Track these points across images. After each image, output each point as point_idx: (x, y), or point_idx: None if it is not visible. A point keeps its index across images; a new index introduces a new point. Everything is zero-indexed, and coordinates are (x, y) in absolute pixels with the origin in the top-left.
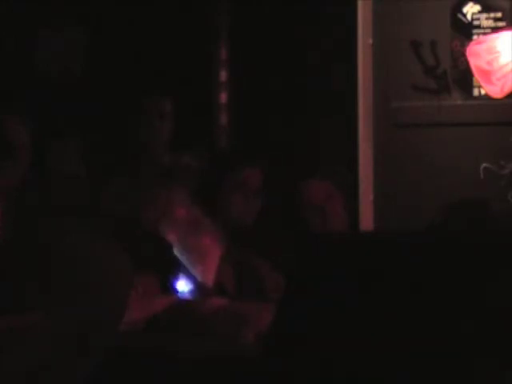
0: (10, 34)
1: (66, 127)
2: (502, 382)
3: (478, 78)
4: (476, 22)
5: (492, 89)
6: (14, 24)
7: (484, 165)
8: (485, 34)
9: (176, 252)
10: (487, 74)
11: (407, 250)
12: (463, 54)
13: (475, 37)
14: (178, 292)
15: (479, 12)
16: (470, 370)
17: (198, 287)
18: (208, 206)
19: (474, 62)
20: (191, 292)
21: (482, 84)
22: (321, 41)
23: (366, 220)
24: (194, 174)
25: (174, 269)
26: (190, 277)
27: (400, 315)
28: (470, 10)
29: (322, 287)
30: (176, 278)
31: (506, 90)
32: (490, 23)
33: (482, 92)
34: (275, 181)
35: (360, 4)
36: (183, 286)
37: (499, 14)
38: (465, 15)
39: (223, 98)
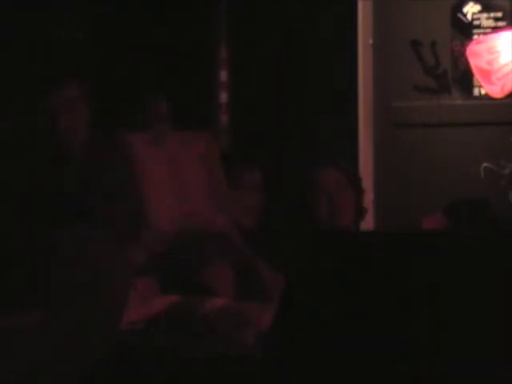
0: (10, 34)
1: None
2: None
3: (478, 77)
4: (476, 22)
5: (492, 89)
6: (14, 24)
7: (484, 165)
8: (485, 34)
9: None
10: (487, 74)
11: (407, 249)
12: (463, 54)
13: (475, 37)
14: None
15: (479, 12)
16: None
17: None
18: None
19: (474, 62)
20: None
21: (482, 84)
22: (321, 41)
23: (366, 220)
24: None
25: (174, 269)
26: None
27: (400, 315)
28: (470, 9)
29: (322, 287)
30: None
31: (506, 90)
32: (490, 23)
33: (482, 92)
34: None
35: (360, 4)
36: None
37: (499, 14)
38: (465, 15)
39: (223, 97)
